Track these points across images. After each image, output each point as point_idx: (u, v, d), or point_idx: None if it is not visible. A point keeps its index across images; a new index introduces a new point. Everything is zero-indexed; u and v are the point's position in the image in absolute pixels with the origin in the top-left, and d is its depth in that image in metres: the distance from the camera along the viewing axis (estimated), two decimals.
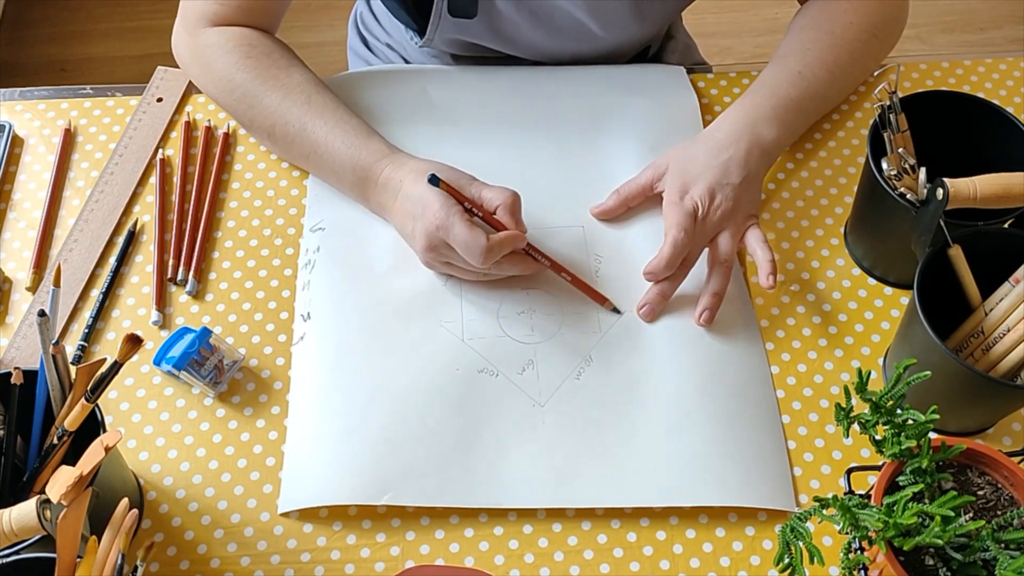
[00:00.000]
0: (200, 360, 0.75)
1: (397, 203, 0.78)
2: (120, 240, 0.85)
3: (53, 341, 0.64)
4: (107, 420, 0.74)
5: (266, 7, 0.87)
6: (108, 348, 0.80)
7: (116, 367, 0.63)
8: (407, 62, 1.06)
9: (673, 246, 0.77)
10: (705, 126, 0.91)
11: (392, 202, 0.79)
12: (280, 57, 0.86)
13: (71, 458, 0.61)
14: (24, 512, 0.55)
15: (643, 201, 0.85)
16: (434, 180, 0.75)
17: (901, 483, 0.59)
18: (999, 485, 0.61)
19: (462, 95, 0.93)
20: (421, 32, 0.95)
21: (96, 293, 0.82)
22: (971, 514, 0.60)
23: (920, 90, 0.83)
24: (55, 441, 0.64)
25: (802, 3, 0.93)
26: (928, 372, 0.59)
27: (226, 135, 0.91)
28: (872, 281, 0.83)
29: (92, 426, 0.64)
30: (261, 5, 0.87)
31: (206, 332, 0.76)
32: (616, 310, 0.79)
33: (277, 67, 0.85)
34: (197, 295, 0.82)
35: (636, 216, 0.85)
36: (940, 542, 0.53)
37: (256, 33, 0.87)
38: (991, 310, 0.71)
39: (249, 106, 0.84)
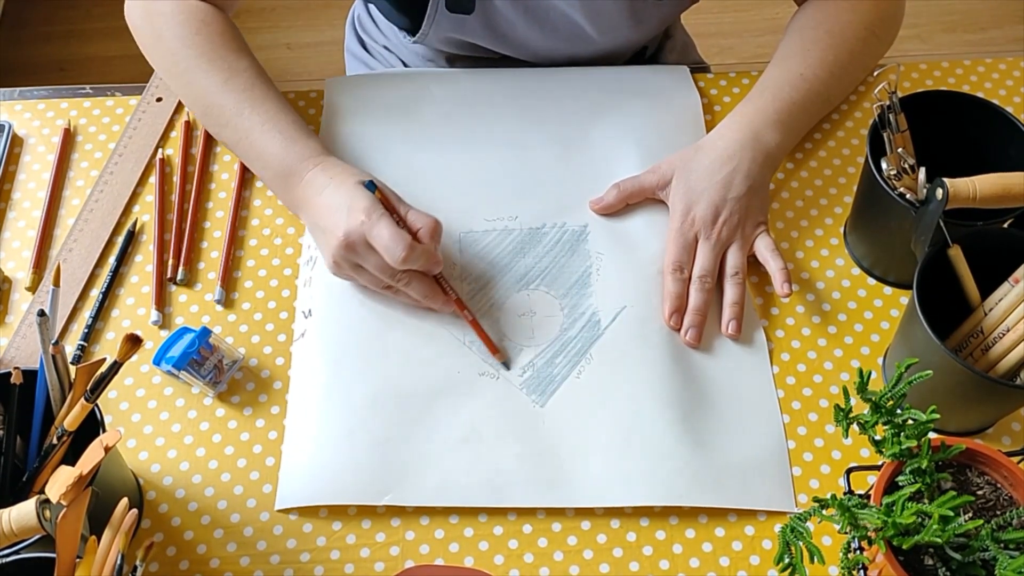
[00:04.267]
0: (200, 360, 0.75)
1: (321, 198, 0.77)
2: (120, 240, 0.85)
3: (53, 341, 0.64)
4: (107, 420, 0.74)
5: None
6: (108, 348, 0.80)
7: (116, 367, 0.63)
8: (405, 65, 1.06)
9: (671, 282, 0.79)
10: (706, 127, 0.91)
11: (315, 197, 0.77)
12: (231, 39, 0.85)
13: (71, 458, 0.61)
14: (24, 512, 0.55)
15: (641, 202, 0.85)
16: (371, 186, 0.75)
17: (900, 483, 0.59)
18: (998, 485, 0.61)
19: (463, 96, 0.93)
20: (413, 31, 0.95)
21: (96, 293, 0.82)
22: (970, 514, 0.60)
23: (920, 90, 0.83)
24: (55, 441, 0.64)
25: (799, 3, 0.93)
26: (929, 372, 0.59)
27: None
28: (872, 281, 0.83)
29: (92, 426, 0.64)
30: None
31: (206, 332, 0.76)
32: (506, 365, 0.77)
33: (227, 48, 0.83)
34: (188, 283, 0.82)
35: (637, 215, 0.85)
36: (939, 540, 0.53)
37: (211, 10, 0.85)
38: (991, 310, 0.71)
39: (188, 82, 0.83)
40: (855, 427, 0.59)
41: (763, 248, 0.80)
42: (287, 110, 0.82)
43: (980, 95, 0.82)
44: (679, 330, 0.78)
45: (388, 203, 0.76)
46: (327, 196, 0.76)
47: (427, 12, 0.91)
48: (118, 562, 0.56)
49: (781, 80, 0.85)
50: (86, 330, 0.80)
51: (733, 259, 0.80)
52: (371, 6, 1.10)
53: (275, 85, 0.84)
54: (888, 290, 0.82)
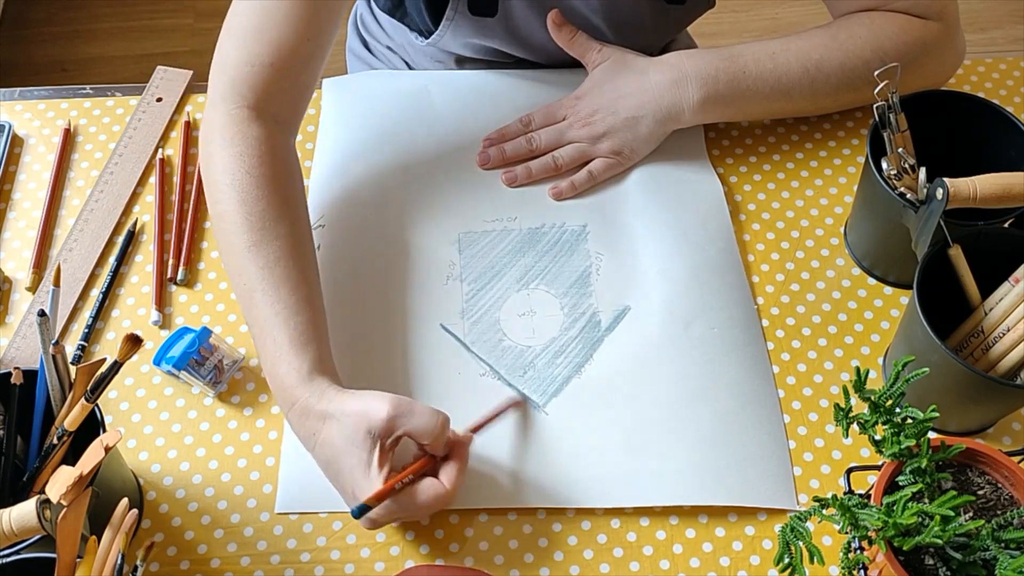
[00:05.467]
0: (200, 360, 0.75)
1: (317, 429, 0.67)
2: (120, 240, 0.85)
3: (53, 341, 0.64)
4: (107, 420, 0.74)
5: (296, 91, 0.79)
6: (108, 348, 0.80)
7: (116, 367, 0.63)
8: (409, 65, 1.06)
9: (515, 122, 0.88)
10: (705, 126, 0.91)
11: (306, 418, 0.67)
12: (279, 190, 0.74)
13: (71, 458, 0.61)
14: (24, 512, 0.55)
15: (641, 211, 0.84)
16: (363, 510, 0.64)
17: (901, 483, 0.59)
18: (999, 484, 0.61)
19: (462, 96, 0.93)
20: (427, 33, 0.95)
21: (96, 293, 0.82)
22: (971, 514, 0.60)
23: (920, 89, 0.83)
24: (55, 441, 0.64)
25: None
26: (926, 368, 0.59)
27: None
28: (872, 281, 0.83)
29: (92, 426, 0.64)
30: (290, 86, 0.78)
31: (206, 332, 0.76)
32: (518, 403, 0.75)
33: (269, 202, 0.73)
34: (188, 283, 0.82)
35: (638, 215, 0.85)
36: (940, 542, 0.53)
37: (271, 143, 0.75)
38: (991, 310, 0.71)
39: (221, 228, 0.74)
40: (855, 427, 0.59)
41: (593, 165, 0.86)
42: (299, 307, 0.70)
43: (980, 95, 0.82)
44: (486, 162, 0.86)
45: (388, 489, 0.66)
46: (327, 426, 0.66)
47: (445, 14, 0.91)
48: (118, 562, 0.56)
49: (752, 50, 0.84)
50: (86, 330, 0.80)
51: (566, 148, 0.86)
52: (374, 6, 1.10)
53: (307, 258, 0.74)
54: (888, 290, 0.82)
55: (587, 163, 0.86)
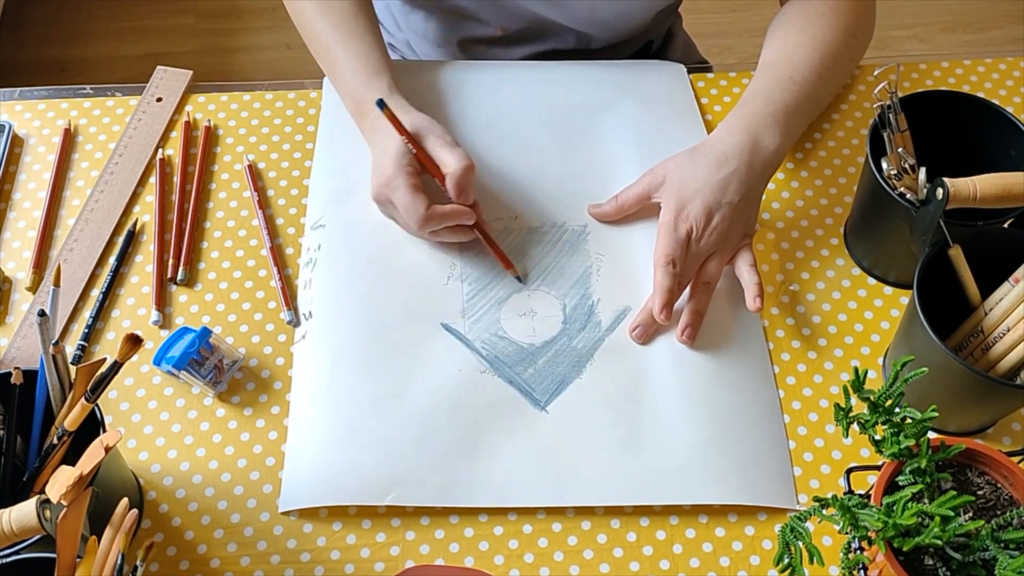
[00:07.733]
0: (200, 360, 0.75)
1: (372, 144, 0.83)
2: (120, 240, 0.85)
3: (53, 341, 0.64)
4: (107, 420, 0.74)
5: None
6: (108, 348, 0.80)
7: (116, 367, 0.63)
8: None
9: (664, 276, 0.77)
10: (706, 126, 0.91)
11: (371, 136, 0.84)
12: None
13: (71, 458, 0.61)
14: (24, 512, 0.55)
15: (641, 208, 0.84)
16: (380, 104, 0.78)
17: (900, 483, 0.59)
18: (999, 485, 0.61)
19: (462, 95, 0.93)
20: None
21: (96, 293, 0.82)
22: (971, 514, 0.60)
23: (920, 90, 0.83)
24: (55, 441, 0.64)
25: (783, 3, 0.92)
26: (925, 368, 0.59)
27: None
28: (872, 281, 0.83)
29: (92, 426, 0.64)
30: None
31: (206, 332, 0.76)
32: (519, 279, 0.82)
33: None
34: (188, 283, 0.82)
35: (638, 216, 0.84)
36: (939, 543, 0.53)
37: None
38: (991, 310, 0.71)
39: (299, 10, 0.89)
40: (855, 427, 0.59)
41: (741, 263, 0.79)
42: (368, 48, 0.86)
43: (980, 95, 0.82)
44: (666, 322, 0.77)
45: (422, 154, 0.79)
46: (375, 143, 0.82)
47: None
48: (118, 562, 0.56)
49: (771, 84, 0.84)
50: (86, 330, 0.80)
51: (712, 268, 0.79)
52: (375, 4, 1.10)
53: (368, 17, 0.89)
54: (888, 290, 0.82)
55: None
